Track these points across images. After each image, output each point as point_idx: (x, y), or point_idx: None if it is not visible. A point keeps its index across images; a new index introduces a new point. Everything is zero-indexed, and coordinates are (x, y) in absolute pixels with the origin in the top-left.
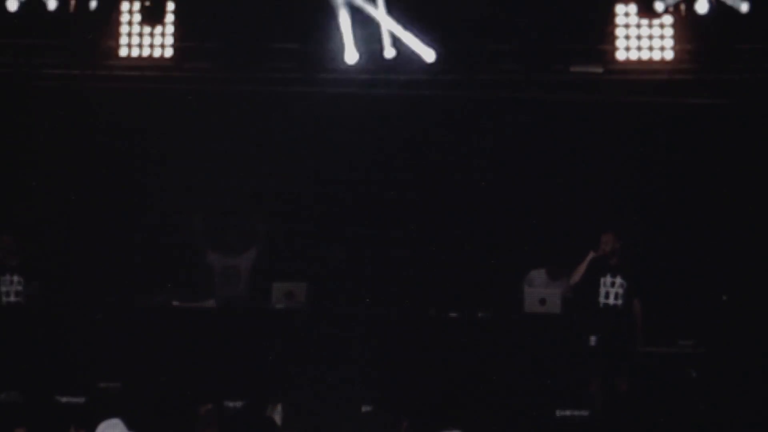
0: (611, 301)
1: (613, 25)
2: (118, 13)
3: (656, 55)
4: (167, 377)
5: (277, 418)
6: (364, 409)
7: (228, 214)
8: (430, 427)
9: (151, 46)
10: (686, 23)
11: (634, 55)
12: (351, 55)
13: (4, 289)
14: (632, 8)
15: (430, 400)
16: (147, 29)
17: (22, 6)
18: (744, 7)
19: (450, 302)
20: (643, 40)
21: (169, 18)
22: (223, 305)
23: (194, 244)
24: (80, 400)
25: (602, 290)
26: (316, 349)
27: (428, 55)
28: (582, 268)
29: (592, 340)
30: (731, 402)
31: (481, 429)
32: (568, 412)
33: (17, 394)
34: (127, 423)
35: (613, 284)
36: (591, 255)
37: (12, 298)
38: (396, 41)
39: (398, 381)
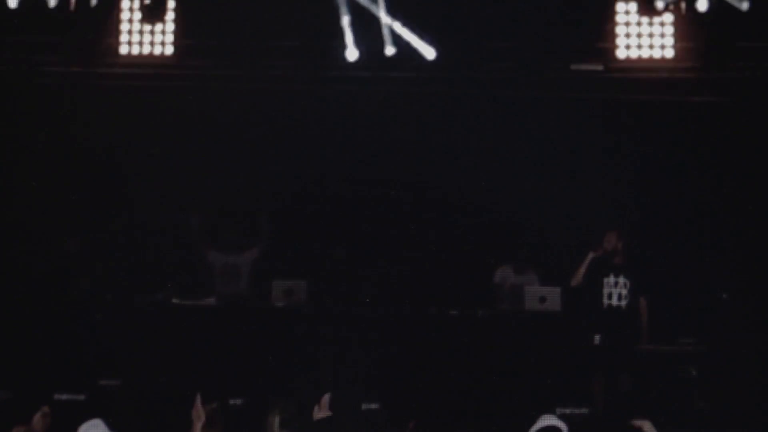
0: (615, 301)
1: (614, 23)
2: (119, 10)
3: (657, 53)
4: (167, 375)
5: (276, 420)
6: (365, 407)
7: (228, 212)
8: (435, 427)
9: (152, 43)
10: (687, 21)
11: (634, 53)
12: (351, 53)
13: None
14: (633, 6)
15: (431, 399)
16: (147, 27)
17: (22, 3)
18: (744, 5)
19: (451, 301)
20: (643, 38)
21: (170, 15)
22: (224, 303)
23: (194, 242)
24: (80, 397)
25: (605, 291)
26: (316, 347)
27: (429, 52)
28: (582, 270)
29: (597, 339)
30: (731, 400)
31: (482, 427)
32: (568, 410)
33: (17, 392)
34: (126, 422)
35: (616, 284)
36: (590, 255)
37: None
38: (396, 39)
39: (398, 380)
